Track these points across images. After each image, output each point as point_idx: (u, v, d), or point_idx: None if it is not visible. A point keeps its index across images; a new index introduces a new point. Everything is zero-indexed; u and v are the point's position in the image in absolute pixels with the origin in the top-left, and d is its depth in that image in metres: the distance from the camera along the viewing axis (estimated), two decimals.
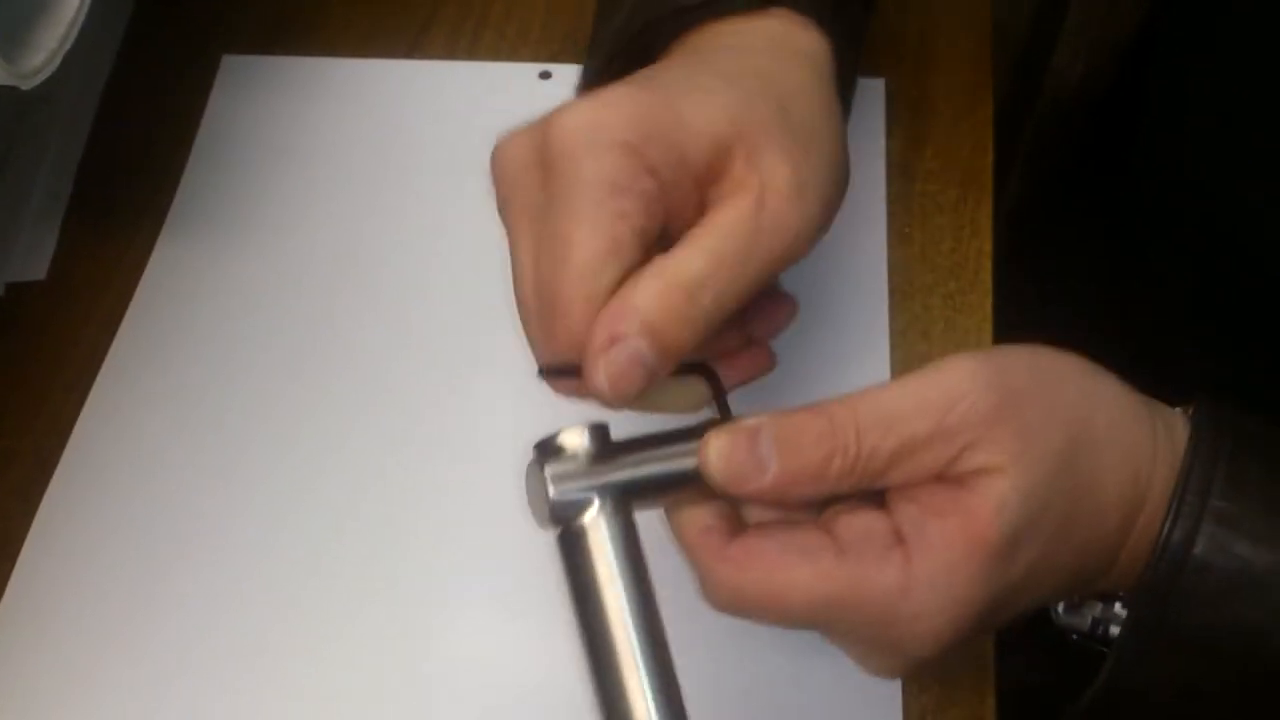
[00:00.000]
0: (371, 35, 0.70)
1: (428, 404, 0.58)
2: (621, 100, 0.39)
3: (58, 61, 0.51)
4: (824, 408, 0.38)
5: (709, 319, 0.38)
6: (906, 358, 0.57)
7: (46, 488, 0.57)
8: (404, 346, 0.60)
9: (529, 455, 0.38)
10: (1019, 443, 0.38)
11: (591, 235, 0.37)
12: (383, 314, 0.61)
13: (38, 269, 0.63)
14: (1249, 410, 0.42)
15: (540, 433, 0.54)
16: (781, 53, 0.43)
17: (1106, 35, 0.61)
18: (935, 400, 0.37)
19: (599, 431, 0.38)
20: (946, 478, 0.38)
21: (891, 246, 0.60)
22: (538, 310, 0.39)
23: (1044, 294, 0.70)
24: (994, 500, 0.37)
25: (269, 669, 0.52)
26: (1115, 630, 0.44)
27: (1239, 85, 0.55)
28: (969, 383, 0.38)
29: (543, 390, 0.57)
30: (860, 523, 0.38)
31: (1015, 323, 0.59)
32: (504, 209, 0.41)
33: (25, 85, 0.50)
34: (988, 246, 0.60)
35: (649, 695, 0.36)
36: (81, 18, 0.51)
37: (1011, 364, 0.39)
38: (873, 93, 0.65)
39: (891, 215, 0.61)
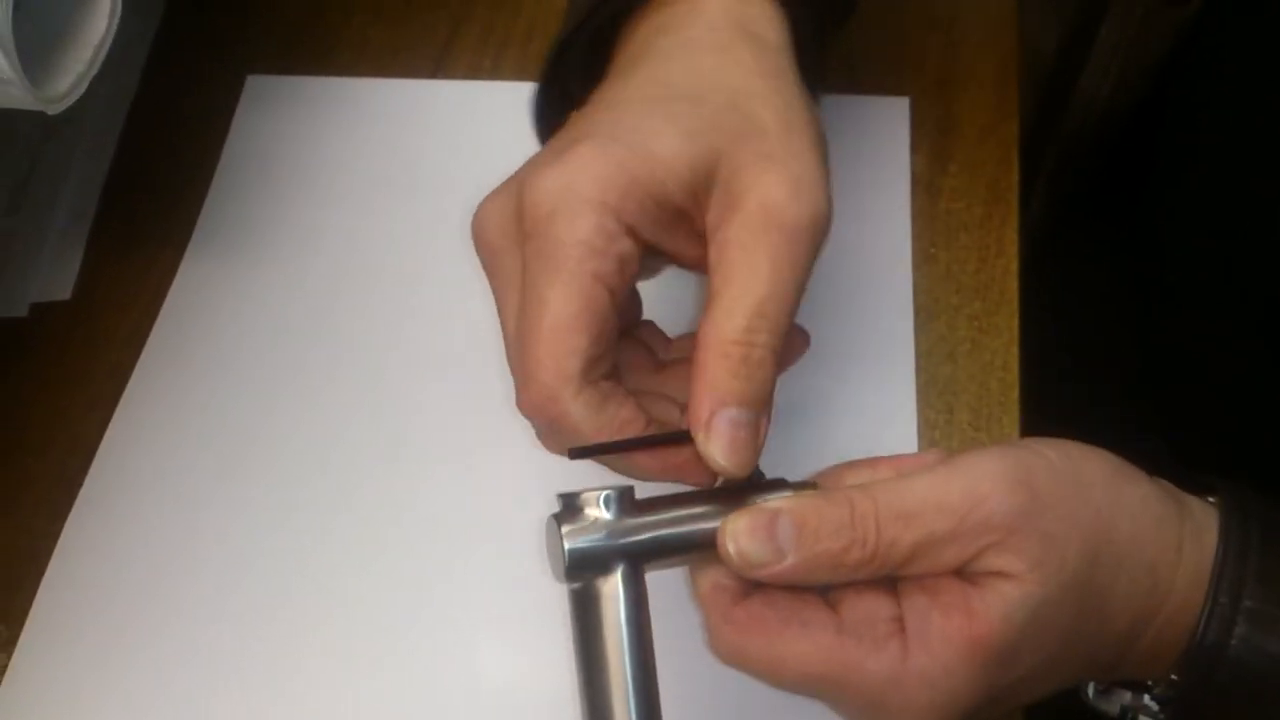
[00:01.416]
0: (395, 55, 0.70)
1: (459, 419, 0.58)
2: (593, 159, 0.39)
3: (84, 87, 0.51)
4: (846, 496, 0.38)
5: (773, 349, 0.39)
6: (932, 380, 0.57)
7: (71, 506, 0.57)
8: (431, 366, 0.59)
9: (557, 475, 0.40)
10: (1039, 552, 0.38)
11: (566, 298, 0.38)
12: (409, 335, 0.61)
13: (62, 289, 0.63)
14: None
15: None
16: (730, 46, 0.42)
17: (1137, 58, 0.60)
18: (958, 499, 0.38)
19: (623, 494, 0.39)
20: (962, 574, 0.38)
21: (916, 266, 0.60)
22: (515, 370, 0.40)
23: (1067, 312, 0.69)
24: (1002, 607, 0.37)
25: (297, 683, 0.52)
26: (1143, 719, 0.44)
27: (1265, 97, 0.54)
28: (993, 484, 0.38)
29: None
30: (865, 604, 0.38)
31: (1038, 343, 0.59)
32: (488, 274, 0.42)
33: (52, 110, 0.50)
34: (1014, 266, 0.60)
35: None
36: (108, 42, 0.51)
37: (1038, 466, 0.39)
38: (897, 111, 0.64)
39: (916, 234, 0.61)
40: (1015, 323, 0.58)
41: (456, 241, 0.63)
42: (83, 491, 0.57)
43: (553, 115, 0.48)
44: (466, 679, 0.52)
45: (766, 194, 0.39)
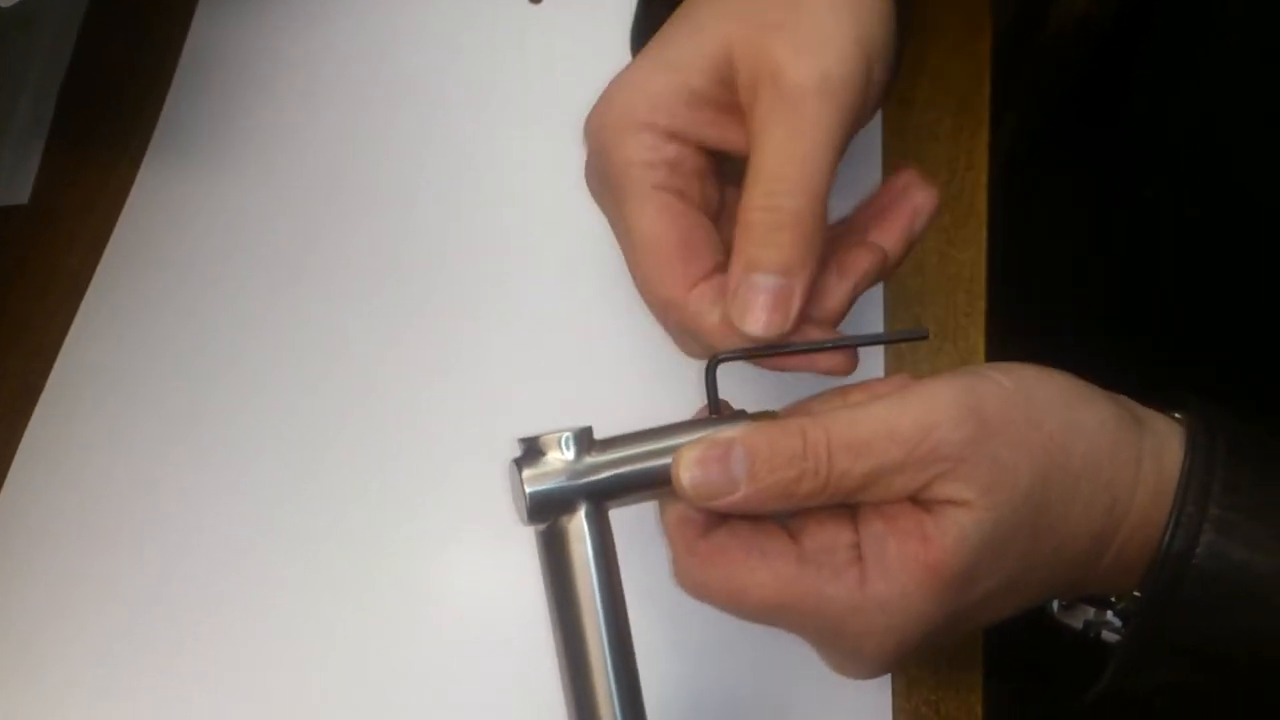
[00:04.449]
0: None
1: (416, 333, 0.58)
2: (628, 82, 0.42)
3: None
4: (798, 425, 0.38)
5: (796, 212, 0.39)
6: (900, 293, 0.57)
7: (31, 413, 0.57)
8: (391, 275, 0.59)
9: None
10: (989, 479, 0.38)
11: (641, 216, 0.41)
12: (369, 240, 0.60)
13: (19, 193, 0.62)
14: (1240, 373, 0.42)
15: (531, 372, 0.54)
16: None
17: None
18: (908, 429, 0.38)
19: (581, 435, 0.39)
20: (917, 500, 0.38)
21: (884, 177, 0.59)
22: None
23: (1037, 226, 0.69)
24: (955, 532, 0.38)
25: (252, 592, 0.52)
26: (1107, 635, 0.44)
27: (1247, 10, 0.54)
28: (944, 412, 0.38)
29: (527, 327, 0.56)
30: (825, 533, 0.39)
31: (1006, 257, 0.59)
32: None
33: (4, 3, 0.48)
34: (984, 179, 0.59)
35: (614, 690, 0.38)
36: None
37: (990, 393, 0.39)
38: None
39: (886, 146, 0.60)
40: (984, 235, 0.58)
41: (421, 145, 0.62)
42: (43, 398, 0.57)
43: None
44: (442, 604, 0.52)
45: (774, 63, 0.40)
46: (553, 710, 0.40)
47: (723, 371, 0.41)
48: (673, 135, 0.42)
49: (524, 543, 0.40)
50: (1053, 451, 0.39)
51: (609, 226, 0.44)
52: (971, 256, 0.58)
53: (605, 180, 0.42)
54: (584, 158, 0.44)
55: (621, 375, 0.55)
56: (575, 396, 0.55)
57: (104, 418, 0.56)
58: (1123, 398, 0.42)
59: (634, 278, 0.42)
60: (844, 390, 0.42)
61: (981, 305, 0.56)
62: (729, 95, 0.41)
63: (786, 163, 0.39)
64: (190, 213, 0.61)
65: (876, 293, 0.56)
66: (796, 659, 0.44)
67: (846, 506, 0.39)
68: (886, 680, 0.49)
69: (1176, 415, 0.42)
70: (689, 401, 0.43)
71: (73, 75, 0.66)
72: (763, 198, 0.39)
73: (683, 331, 0.42)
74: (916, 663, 0.50)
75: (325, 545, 0.53)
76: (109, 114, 0.65)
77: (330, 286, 0.59)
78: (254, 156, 0.63)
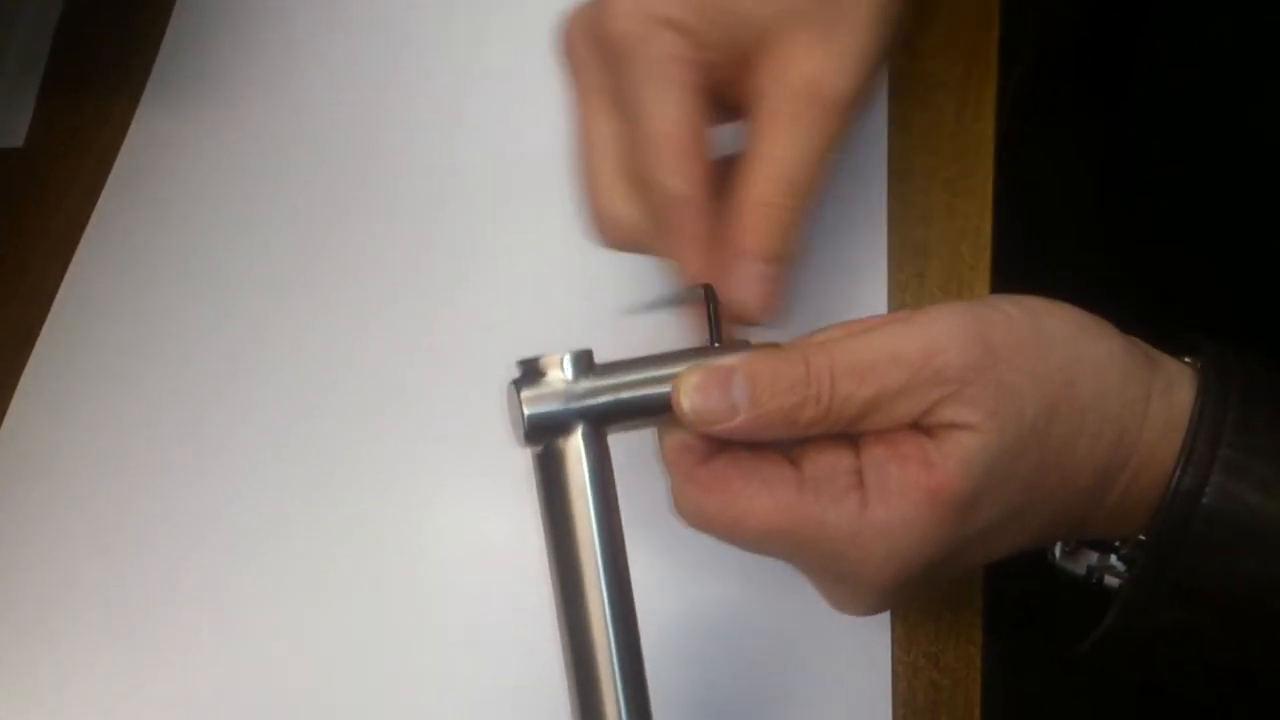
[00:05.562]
0: None
1: (419, 275, 0.57)
2: None
3: None
4: (800, 352, 0.38)
5: (800, 211, 0.42)
6: (904, 243, 0.56)
7: (28, 359, 0.57)
8: (396, 217, 0.58)
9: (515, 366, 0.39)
10: (994, 403, 0.37)
11: (678, 106, 0.41)
12: (369, 178, 0.59)
13: (15, 135, 0.62)
14: (1249, 339, 0.42)
15: (542, 319, 0.54)
16: None
17: None
18: (912, 353, 0.37)
19: (581, 357, 0.39)
20: (920, 426, 0.38)
21: (891, 127, 0.59)
22: (625, 177, 0.43)
23: (1045, 178, 0.68)
24: (959, 456, 0.37)
25: (255, 543, 0.52)
26: (1110, 580, 0.44)
27: None
28: (949, 337, 0.38)
29: (545, 275, 0.56)
30: (825, 459, 0.39)
31: (1014, 209, 0.58)
32: (574, 85, 0.45)
33: None
34: (990, 130, 0.59)
35: (608, 615, 0.38)
36: None
37: (996, 320, 0.39)
38: None
39: (892, 94, 0.59)
40: (990, 186, 0.57)
41: (421, 82, 0.61)
42: (39, 342, 0.57)
43: None
44: (436, 547, 0.52)
45: (814, 67, 0.42)
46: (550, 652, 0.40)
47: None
48: (708, 48, 0.42)
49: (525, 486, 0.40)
50: (1060, 383, 0.38)
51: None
52: (977, 208, 0.57)
53: (629, 67, 0.42)
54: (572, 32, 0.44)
55: (622, 302, 0.54)
56: (575, 323, 0.54)
57: (100, 363, 0.56)
58: (1132, 336, 0.42)
59: (648, 160, 0.42)
60: (847, 324, 0.42)
61: (987, 258, 0.56)
62: (754, 53, 0.43)
63: (802, 168, 0.42)
64: (188, 155, 0.61)
65: (880, 245, 0.56)
66: (795, 606, 0.44)
67: (848, 435, 0.39)
68: (886, 632, 0.49)
69: (1188, 359, 0.42)
70: (693, 331, 0.43)
71: (67, 15, 0.65)
72: (779, 196, 0.41)
73: (676, 231, 0.42)
74: (914, 605, 0.50)
75: (326, 492, 0.53)
76: (105, 55, 0.64)
77: (330, 227, 0.58)
78: (253, 97, 0.62)
